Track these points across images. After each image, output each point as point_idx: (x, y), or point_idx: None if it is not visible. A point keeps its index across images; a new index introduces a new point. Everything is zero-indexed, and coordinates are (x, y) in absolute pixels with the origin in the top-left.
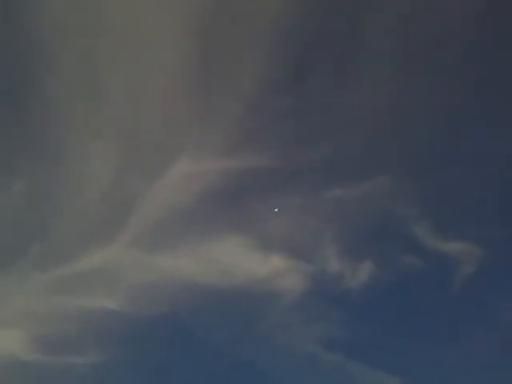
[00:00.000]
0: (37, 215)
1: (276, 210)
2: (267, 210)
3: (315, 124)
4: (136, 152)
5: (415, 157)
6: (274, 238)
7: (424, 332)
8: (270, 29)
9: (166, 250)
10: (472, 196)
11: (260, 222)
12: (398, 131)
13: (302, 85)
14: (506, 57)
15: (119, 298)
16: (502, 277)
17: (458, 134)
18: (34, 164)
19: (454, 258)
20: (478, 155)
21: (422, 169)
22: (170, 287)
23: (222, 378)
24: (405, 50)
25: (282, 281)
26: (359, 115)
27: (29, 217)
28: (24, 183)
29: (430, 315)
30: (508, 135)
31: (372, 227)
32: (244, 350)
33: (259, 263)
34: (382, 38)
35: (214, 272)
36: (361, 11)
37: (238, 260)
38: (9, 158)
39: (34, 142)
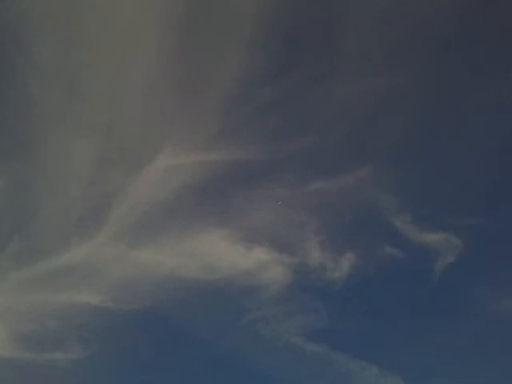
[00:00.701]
0: (16, 212)
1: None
2: (250, 203)
3: (296, 117)
4: (116, 146)
5: (396, 148)
6: (257, 230)
7: (405, 322)
8: (250, 22)
9: (149, 244)
10: (452, 186)
11: (242, 215)
12: (379, 123)
13: (282, 78)
14: (490, 48)
15: (102, 293)
16: (483, 266)
17: (438, 125)
18: (12, 161)
19: (435, 248)
20: (458, 146)
21: (402, 160)
22: (152, 281)
23: (206, 371)
24: (386, 41)
25: (264, 273)
26: (340, 108)
27: (8, 213)
28: (2, 180)
29: (411, 305)
30: (487, 124)
31: (354, 219)
32: (228, 342)
33: (242, 256)
34: (364, 30)
35: (197, 266)
36: (342, 3)
37: (221, 253)
38: None
39: (12, 138)
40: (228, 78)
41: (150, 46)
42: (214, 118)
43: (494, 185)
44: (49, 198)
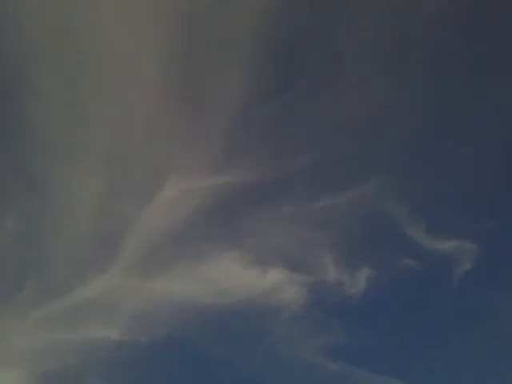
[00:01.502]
0: (30, 250)
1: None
2: (260, 223)
3: (300, 132)
4: (124, 178)
5: (402, 158)
6: (269, 251)
7: (426, 333)
8: (249, 40)
9: (162, 273)
10: (462, 192)
11: (254, 237)
12: (384, 133)
13: (284, 94)
14: (493, 52)
15: (119, 326)
16: (502, 270)
17: (445, 133)
18: (22, 200)
19: (451, 255)
20: (466, 151)
21: (409, 170)
22: (169, 311)
23: None
24: (390, 50)
25: (280, 294)
26: (345, 120)
27: (22, 253)
28: (15, 219)
29: (431, 316)
30: (496, 131)
31: (366, 232)
32: (249, 366)
33: (256, 278)
34: (364, 42)
35: (211, 291)
36: (341, 16)
37: (235, 277)
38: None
39: (22, 177)
40: (229, 99)
41: (151, 73)
42: (218, 140)
43: (506, 187)
44: (61, 234)
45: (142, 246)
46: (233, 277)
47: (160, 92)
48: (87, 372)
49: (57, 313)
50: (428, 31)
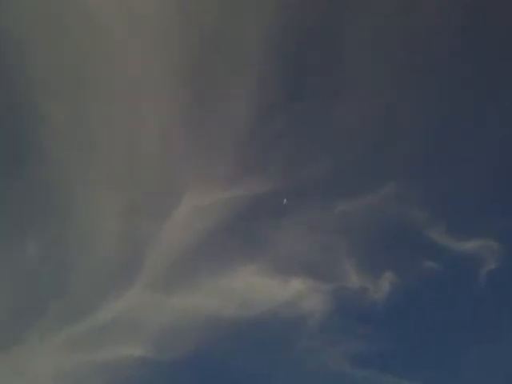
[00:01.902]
0: (54, 273)
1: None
2: (278, 233)
3: (314, 140)
4: (141, 196)
5: (415, 161)
6: (290, 260)
7: (454, 335)
8: (260, 52)
9: (184, 288)
10: (481, 192)
11: (273, 247)
12: (394, 139)
13: (293, 105)
14: (501, 54)
15: (143, 343)
16: None
17: (459, 133)
18: (44, 224)
19: (475, 255)
20: (484, 152)
21: (424, 172)
22: (192, 326)
23: None
24: (397, 55)
25: (304, 303)
26: (354, 128)
27: (46, 276)
28: (37, 244)
29: (458, 317)
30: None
31: (386, 237)
32: (277, 378)
33: (278, 288)
34: (373, 48)
35: (234, 304)
36: (346, 24)
37: (257, 288)
38: (20, 222)
39: (41, 202)
40: (240, 112)
41: (162, 90)
42: (231, 154)
43: None
44: (83, 255)
45: (161, 263)
46: (254, 288)
47: (172, 110)
48: None
49: (81, 334)
50: (435, 35)
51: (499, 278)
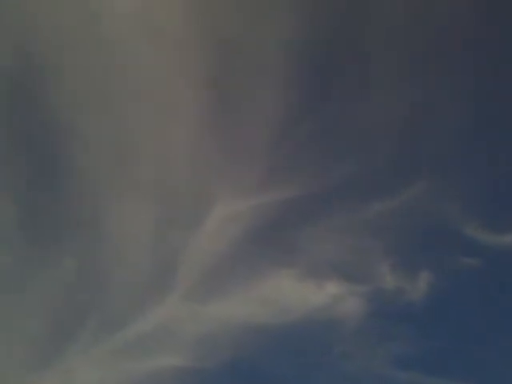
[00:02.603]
0: (89, 286)
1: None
2: (310, 237)
3: (338, 144)
4: (172, 206)
5: (445, 158)
6: (324, 264)
7: (497, 334)
8: (281, 56)
9: (219, 297)
10: None
11: (306, 251)
12: (422, 137)
13: (318, 110)
14: None
15: (182, 353)
16: None
17: (488, 126)
18: (77, 238)
19: None
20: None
21: (455, 168)
22: (229, 334)
23: None
24: (421, 56)
25: (340, 306)
26: (380, 128)
27: (82, 289)
28: (72, 258)
29: (500, 315)
30: None
31: (420, 235)
32: (316, 382)
33: (313, 293)
34: (398, 48)
35: (269, 310)
36: (371, 24)
37: (292, 293)
38: (55, 235)
39: (75, 217)
40: (266, 119)
41: (187, 102)
42: (259, 160)
43: None
44: (117, 267)
45: (196, 272)
46: (289, 294)
47: (198, 119)
48: None
49: (121, 345)
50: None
51: None
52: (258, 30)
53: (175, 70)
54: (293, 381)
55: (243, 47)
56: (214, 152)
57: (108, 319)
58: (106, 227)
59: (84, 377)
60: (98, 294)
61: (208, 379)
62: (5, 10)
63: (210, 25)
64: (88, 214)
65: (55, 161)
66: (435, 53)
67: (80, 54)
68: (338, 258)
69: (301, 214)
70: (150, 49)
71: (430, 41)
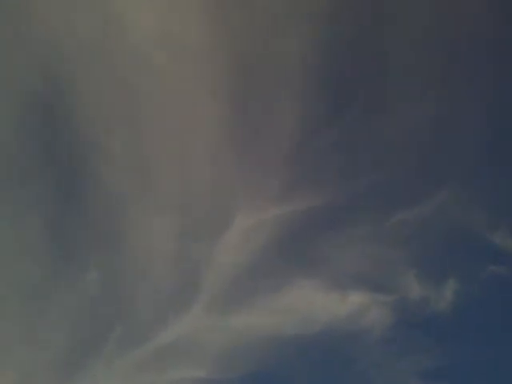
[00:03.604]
0: (113, 299)
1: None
2: (334, 247)
3: (360, 153)
4: (194, 217)
5: (468, 166)
6: (348, 274)
7: None
8: (300, 67)
9: (242, 308)
10: None
11: (330, 261)
12: (444, 145)
13: (339, 118)
14: None
15: (206, 365)
16: None
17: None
18: (102, 249)
19: None
20: None
21: (480, 176)
22: (253, 345)
23: None
24: (438, 66)
25: (365, 317)
26: (402, 137)
27: (106, 303)
28: (97, 271)
29: None
30: None
31: (446, 244)
32: None
33: (338, 303)
34: (420, 58)
35: (293, 321)
36: (387, 36)
37: (316, 304)
38: (82, 250)
39: (100, 230)
40: (286, 129)
41: (209, 115)
42: (280, 170)
43: None
44: (141, 280)
45: (219, 283)
46: (313, 304)
47: (219, 131)
48: None
49: (145, 358)
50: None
51: None
52: (277, 43)
53: (196, 84)
54: None
55: (262, 60)
56: (235, 164)
57: (132, 332)
58: (130, 240)
59: None
60: (122, 307)
61: None
62: (31, 32)
63: (229, 39)
64: (113, 228)
65: (81, 176)
66: (459, 66)
67: (103, 72)
68: (362, 267)
69: (324, 224)
70: (171, 64)
71: (453, 54)
